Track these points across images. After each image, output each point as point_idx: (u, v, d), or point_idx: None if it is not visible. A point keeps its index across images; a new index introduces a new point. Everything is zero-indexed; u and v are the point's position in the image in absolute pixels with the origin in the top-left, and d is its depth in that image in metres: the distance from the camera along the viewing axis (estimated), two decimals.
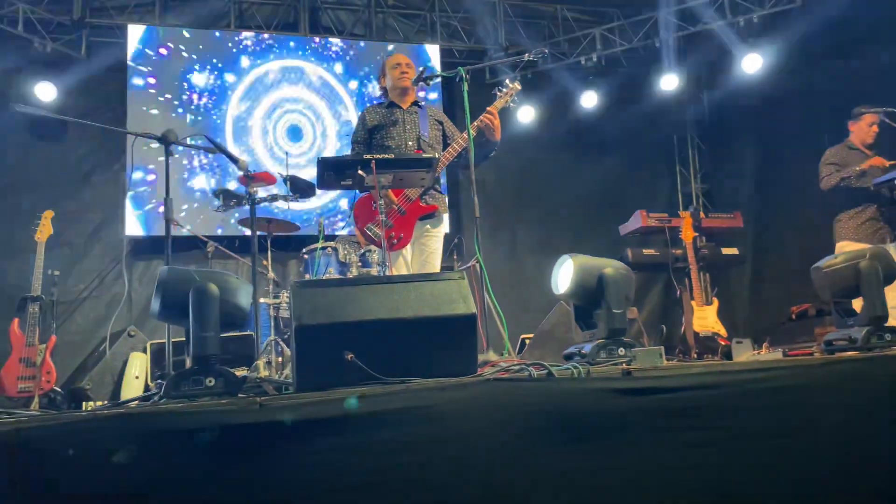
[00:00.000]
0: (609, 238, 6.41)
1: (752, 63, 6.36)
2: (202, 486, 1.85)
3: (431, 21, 7.19)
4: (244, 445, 1.93)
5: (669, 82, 6.82)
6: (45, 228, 4.37)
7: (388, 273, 3.14)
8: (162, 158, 3.18)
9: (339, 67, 6.85)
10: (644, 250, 5.75)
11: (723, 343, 4.86)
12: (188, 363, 2.40)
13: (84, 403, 3.55)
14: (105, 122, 6.09)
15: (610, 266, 2.80)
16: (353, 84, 6.87)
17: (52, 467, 1.76)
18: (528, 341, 5.08)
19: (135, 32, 6.36)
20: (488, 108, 3.56)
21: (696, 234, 5.44)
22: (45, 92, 5.86)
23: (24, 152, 5.93)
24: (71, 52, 6.28)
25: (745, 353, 4.86)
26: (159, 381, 2.37)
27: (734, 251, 5.84)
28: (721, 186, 7.39)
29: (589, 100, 6.96)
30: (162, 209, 3.26)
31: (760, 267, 6.55)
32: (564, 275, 2.90)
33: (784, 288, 5.91)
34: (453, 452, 2.07)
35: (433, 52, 6.99)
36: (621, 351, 2.80)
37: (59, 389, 3.98)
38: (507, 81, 3.65)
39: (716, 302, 5.19)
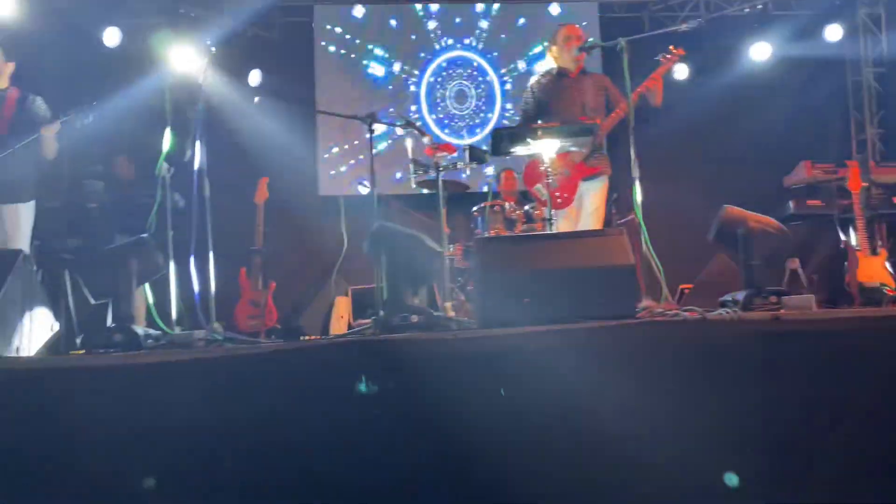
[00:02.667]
0: (774, 189, 6.35)
1: None
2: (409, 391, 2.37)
3: None
4: (441, 366, 2.45)
5: (835, 32, 6.51)
6: (261, 192, 5.19)
7: (553, 230, 3.54)
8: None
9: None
10: (808, 201, 5.69)
11: (890, 294, 4.80)
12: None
13: (301, 338, 4.30)
14: (297, 95, 6.97)
15: (755, 221, 3.02)
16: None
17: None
18: (686, 291, 5.29)
19: (319, 12, 7.09)
20: (652, 75, 3.79)
21: (865, 183, 5.31)
22: (255, 77, 6.75)
23: (231, 125, 6.86)
24: (265, 34, 7.13)
25: None
26: (374, 317, 2.95)
27: None
28: None
29: (759, 50, 6.81)
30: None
31: None
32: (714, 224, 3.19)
33: None
34: (609, 380, 2.42)
35: (591, 10, 7.17)
36: (773, 299, 3.05)
37: (279, 326, 4.81)
38: (671, 47, 3.85)
39: (883, 252, 5.08)
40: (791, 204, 5.67)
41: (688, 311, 2.86)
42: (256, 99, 3.88)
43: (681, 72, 6.94)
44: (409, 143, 4.33)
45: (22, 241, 3.95)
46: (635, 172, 3.36)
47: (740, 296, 3.11)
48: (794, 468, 2.30)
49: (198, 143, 3.38)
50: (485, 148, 4.22)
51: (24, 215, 4.00)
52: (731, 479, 2.19)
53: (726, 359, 2.49)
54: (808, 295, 2.93)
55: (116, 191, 5.30)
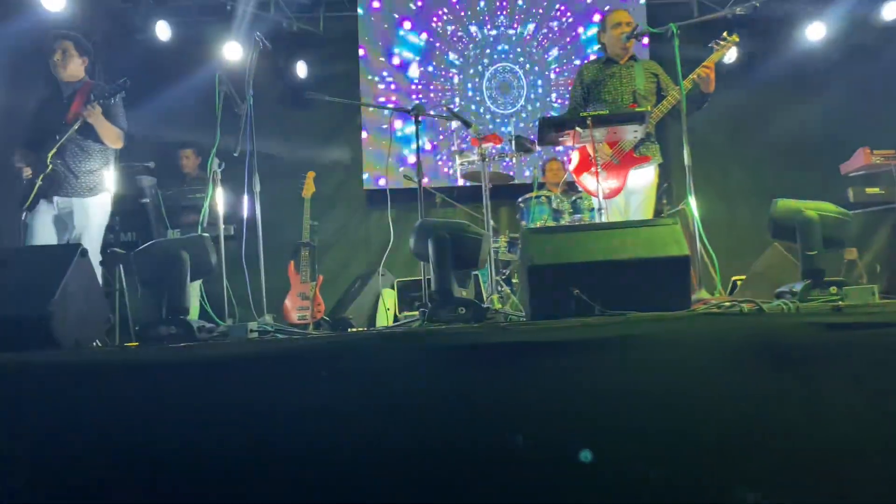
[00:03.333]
0: (830, 178, 6.15)
1: None
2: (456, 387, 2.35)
3: None
4: (493, 358, 2.43)
5: (892, 10, 6.26)
6: (309, 186, 5.23)
7: (603, 219, 3.48)
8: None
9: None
10: (867, 189, 5.49)
11: None
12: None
13: (349, 329, 4.33)
14: (341, 89, 6.99)
15: (811, 209, 2.93)
16: None
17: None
18: (738, 283, 5.17)
19: (363, 4, 7.11)
20: (704, 63, 3.69)
21: None
22: (301, 70, 6.81)
23: (279, 121, 6.94)
24: (311, 28, 7.19)
25: None
26: (421, 309, 2.95)
27: None
28: None
29: (814, 32, 6.60)
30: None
31: None
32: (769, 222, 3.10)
33: None
34: (662, 376, 2.36)
35: None
36: (833, 290, 2.95)
37: (328, 318, 4.85)
38: (725, 34, 3.75)
39: None
40: (849, 192, 5.48)
41: (745, 302, 2.79)
42: (308, 94, 3.85)
43: (731, 55, 6.77)
44: (455, 135, 4.30)
45: (92, 235, 4.00)
46: (688, 161, 3.26)
47: (798, 287, 3.02)
48: (857, 467, 2.22)
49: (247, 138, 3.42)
50: (532, 137, 4.16)
51: (92, 209, 4.03)
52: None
53: (785, 352, 2.42)
54: (870, 285, 2.81)
55: (175, 185, 5.43)
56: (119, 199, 4.76)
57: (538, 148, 4.28)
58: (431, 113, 3.98)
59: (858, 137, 6.28)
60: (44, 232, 3.92)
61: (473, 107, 7.06)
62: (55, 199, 3.96)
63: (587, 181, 3.90)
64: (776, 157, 6.87)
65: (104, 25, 6.61)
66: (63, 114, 3.99)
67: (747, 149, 6.96)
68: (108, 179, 4.13)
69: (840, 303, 2.73)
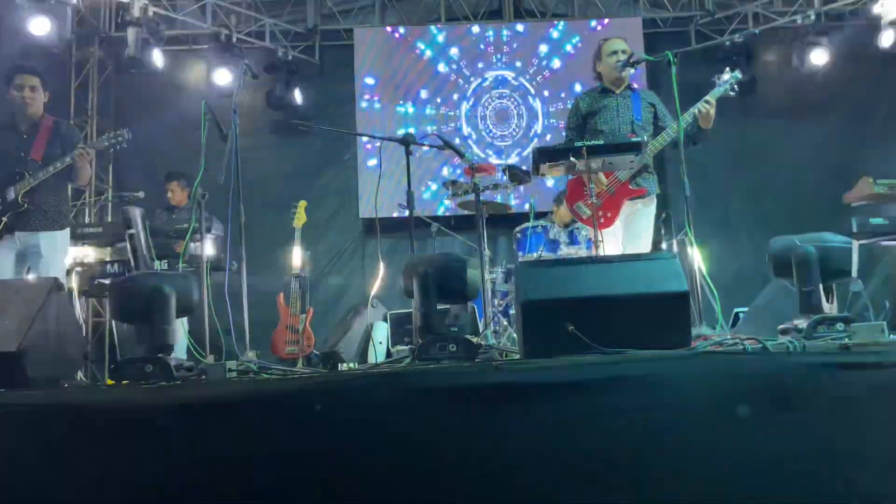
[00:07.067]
0: (833, 207, 6.04)
1: None
2: (443, 430, 2.23)
3: None
4: (484, 400, 2.30)
5: (889, 38, 6.24)
6: (300, 216, 5.11)
7: (596, 251, 3.37)
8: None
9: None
10: (871, 219, 5.37)
11: None
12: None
13: (339, 365, 4.19)
14: (337, 118, 6.95)
15: (808, 242, 2.83)
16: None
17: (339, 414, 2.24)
18: (741, 315, 5.04)
19: (359, 35, 7.08)
20: (706, 98, 3.61)
21: None
22: (297, 98, 6.76)
23: (274, 149, 6.88)
24: (307, 58, 7.16)
25: None
26: (411, 346, 2.82)
27: None
28: None
29: (817, 58, 6.56)
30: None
31: None
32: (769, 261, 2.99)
33: None
34: (663, 420, 2.23)
35: (635, 25, 6.98)
36: (840, 326, 2.81)
37: (317, 352, 4.71)
38: (728, 69, 3.69)
39: None
40: (853, 222, 5.36)
41: (748, 339, 2.65)
42: (295, 122, 3.76)
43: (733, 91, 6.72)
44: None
45: (59, 267, 3.95)
46: (687, 191, 3.15)
47: (803, 323, 2.89)
48: None
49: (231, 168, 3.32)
50: (525, 168, 4.07)
51: (59, 242, 3.99)
52: None
53: (790, 392, 2.30)
54: (879, 322, 2.68)
55: (162, 216, 5.34)
56: (107, 230, 4.66)
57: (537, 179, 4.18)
58: (424, 144, 3.87)
59: (860, 165, 6.19)
60: (5, 266, 3.84)
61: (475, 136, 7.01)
62: (18, 234, 3.88)
63: (581, 211, 3.79)
64: (777, 187, 6.79)
65: (97, 54, 6.59)
66: (24, 148, 3.92)
67: (747, 178, 6.88)
68: (68, 213, 4.09)
69: (847, 341, 2.60)
